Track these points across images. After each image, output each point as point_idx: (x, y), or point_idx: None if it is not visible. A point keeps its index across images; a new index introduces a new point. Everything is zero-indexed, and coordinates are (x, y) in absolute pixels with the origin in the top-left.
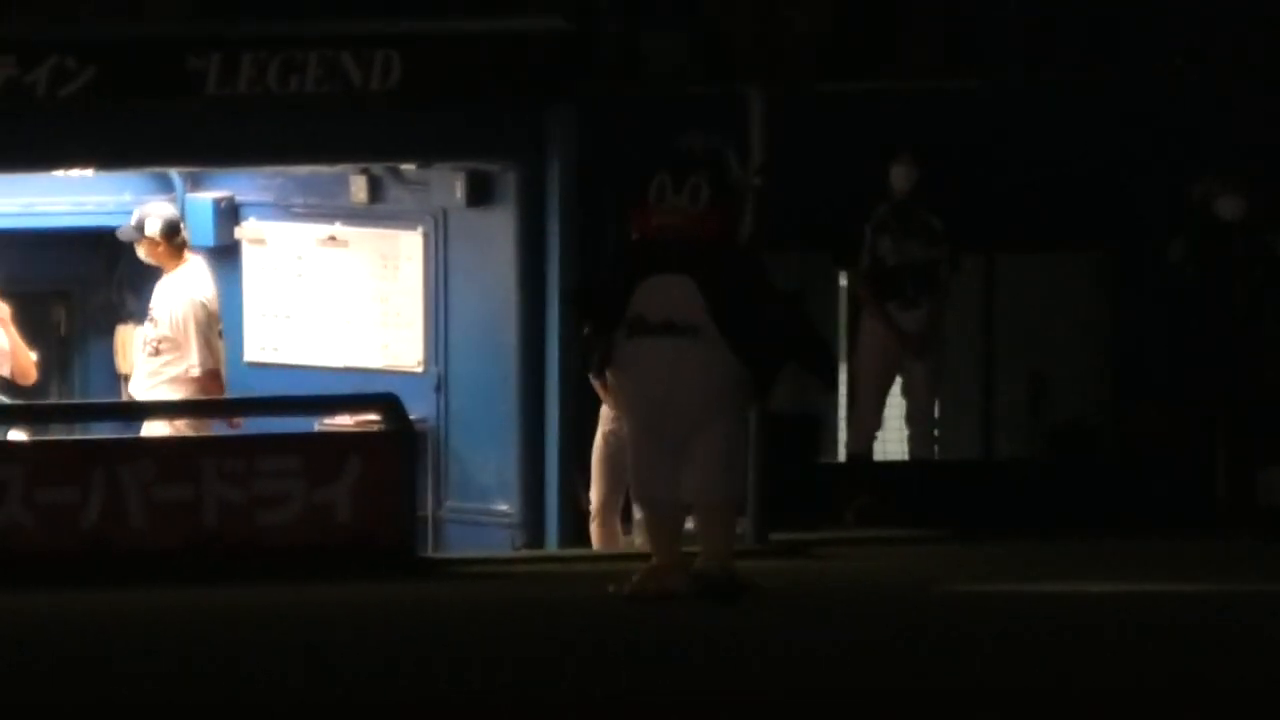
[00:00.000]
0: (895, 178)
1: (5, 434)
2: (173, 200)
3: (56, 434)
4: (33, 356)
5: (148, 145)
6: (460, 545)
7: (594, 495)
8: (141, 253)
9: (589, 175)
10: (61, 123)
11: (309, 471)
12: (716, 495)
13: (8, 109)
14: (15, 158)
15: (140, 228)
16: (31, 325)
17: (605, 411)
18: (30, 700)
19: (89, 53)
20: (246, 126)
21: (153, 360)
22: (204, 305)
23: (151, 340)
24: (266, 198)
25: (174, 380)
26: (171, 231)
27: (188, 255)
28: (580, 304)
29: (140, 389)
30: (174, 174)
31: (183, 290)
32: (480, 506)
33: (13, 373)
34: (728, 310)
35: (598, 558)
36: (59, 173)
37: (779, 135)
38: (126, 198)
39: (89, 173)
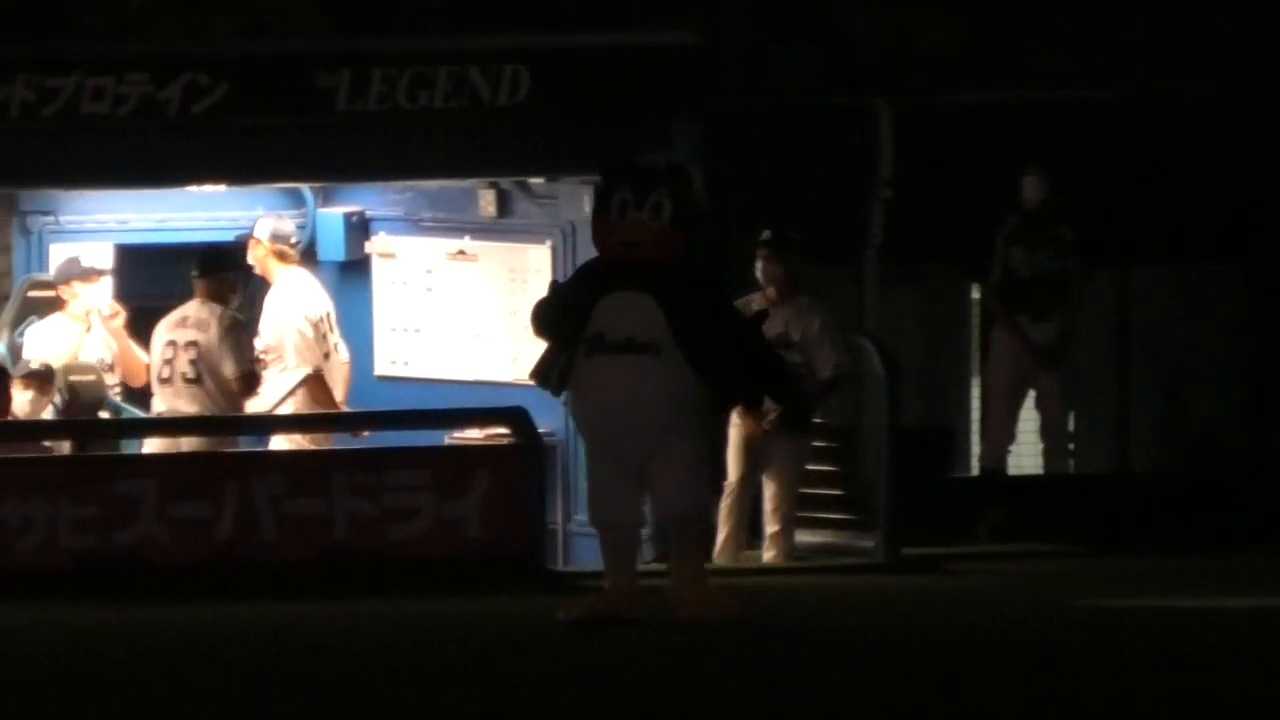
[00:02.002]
0: (1026, 189)
1: (139, 447)
2: (303, 215)
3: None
4: (144, 359)
5: (279, 161)
6: (589, 559)
7: (730, 474)
8: (250, 258)
9: (716, 187)
10: (194, 139)
11: (438, 485)
12: (681, 510)
13: (142, 126)
14: (149, 174)
15: (250, 230)
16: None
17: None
18: (162, 712)
19: (221, 70)
20: (376, 142)
21: (265, 374)
22: (302, 312)
23: (259, 354)
24: (396, 212)
25: (283, 391)
26: (277, 238)
27: (294, 267)
28: (539, 320)
29: (258, 403)
30: (305, 189)
31: (282, 300)
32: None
33: (123, 375)
34: (689, 329)
35: (728, 571)
36: (192, 188)
37: (908, 147)
38: (258, 213)
39: (221, 188)
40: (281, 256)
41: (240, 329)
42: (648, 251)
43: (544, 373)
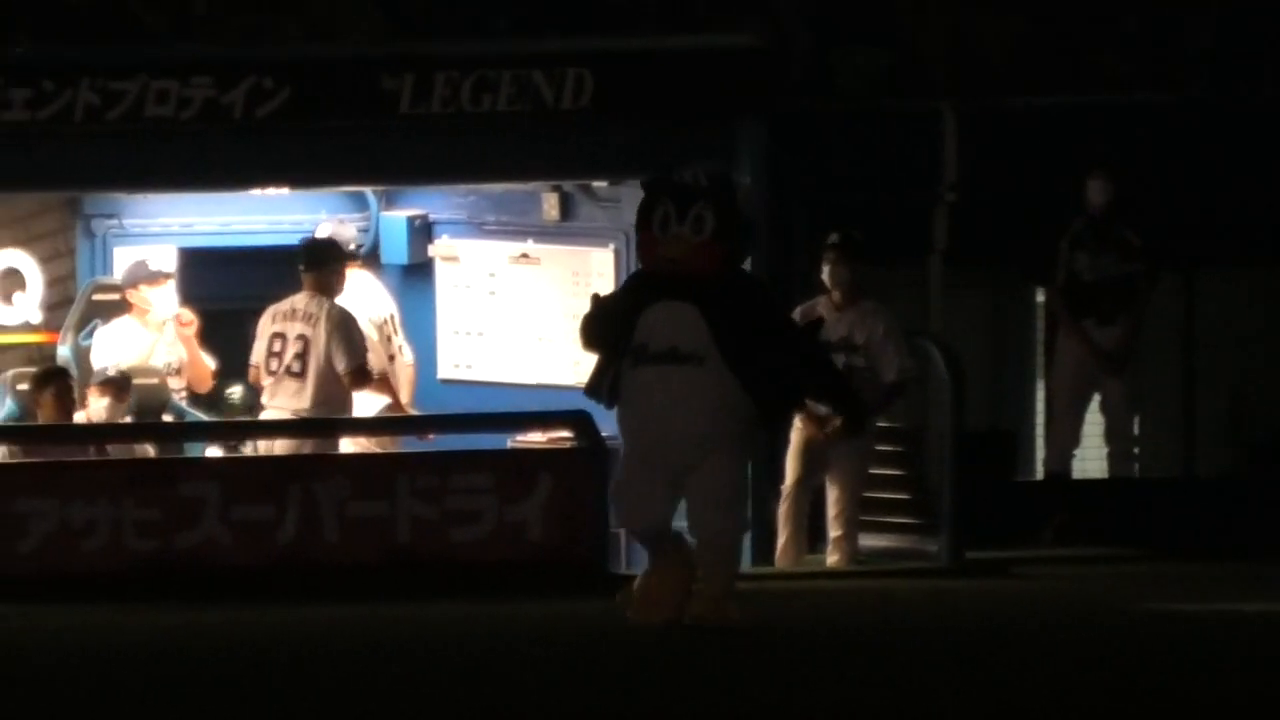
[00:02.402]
0: (1091, 192)
1: (203, 450)
2: (366, 218)
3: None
4: (210, 365)
5: (342, 164)
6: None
7: (787, 477)
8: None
9: (780, 190)
10: (258, 142)
11: (501, 488)
12: (718, 525)
13: (206, 129)
14: (213, 177)
15: (313, 234)
16: (227, 342)
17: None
18: (225, 716)
19: (285, 73)
20: (440, 145)
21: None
22: (365, 315)
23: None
24: (459, 215)
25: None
26: (348, 242)
27: (356, 270)
28: (586, 334)
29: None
30: (368, 192)
31: (347, 303)
32: (675, 526)
33: (190, 380)
34: (733, 338)
35: (789, 575)
36: (255, 192)
37: (973, 150)
38: (321, 216)
39: (285, 192)
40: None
41: (350, 322)
42: (691, 265)
43: (595, 386)
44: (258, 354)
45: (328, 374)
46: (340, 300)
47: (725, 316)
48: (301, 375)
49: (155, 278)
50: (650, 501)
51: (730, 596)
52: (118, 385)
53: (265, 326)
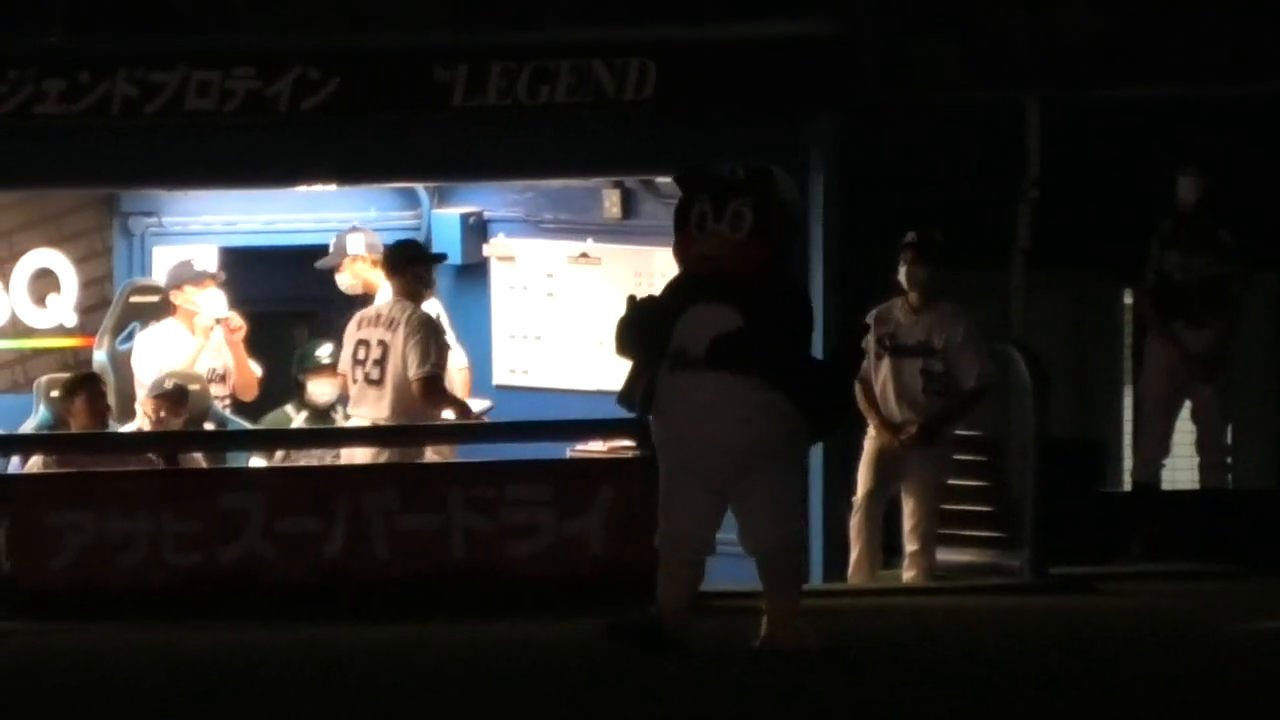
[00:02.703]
0: (1182, 189)
1: (246, 460)
2: (418, 216)
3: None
4: (257, 372)
5: (392, 159)
6: (718, 579)
7: (859, 488)
8: (345, 279)
9: (853, 187)
10: (304, 136)
11: (560, 500)
12: (776, 542)
13: (249, 122)
14: (256, 173)
15: (342, 249)
16: (272, 346)
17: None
18: None
19: (332, 64)
20: (495, 139)
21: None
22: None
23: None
24: (516, 213)
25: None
26: (373, 249)
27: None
28: (621, 339)
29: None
30: (420, 189)
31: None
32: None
33: (235, 387)
34: (772, 344)
35: (862, 592)
36: (301, 188)
37: (1057, 144)
38: (371, 214)
39: (332, 188)
40: (377, 263)
41: (431, 329)
42: (728, 265)
43: (628, 394)
44: (343, 361)
45: (406, 382)
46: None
47: (765, 320)
48: (380, 383)
49: (201, 278)
50: (696, 518)
51: (801, 615)
52: (174, 399)
53: (351, 333)
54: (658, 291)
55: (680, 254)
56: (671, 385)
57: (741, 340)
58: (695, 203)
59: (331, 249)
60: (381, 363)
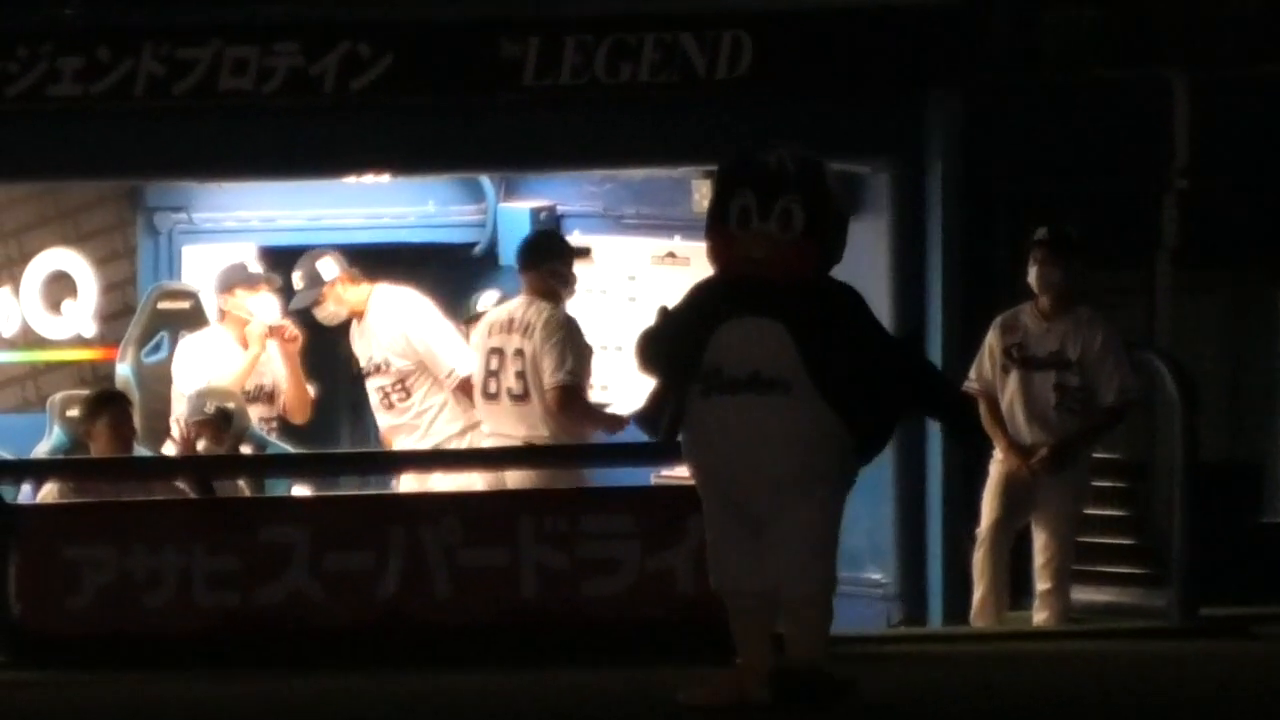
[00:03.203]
0: None
1: (289, 489)
2: (482, 210)
3: (348, 489)
4: (310, 392)
5: (453, 146)
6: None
7: (984, 518)
8: (329, 310)
9: (977, 176)
10: (353, 121)
11: (643, 532)
12: (806, 586)
13: (291, 105)
14: (300, 162)
15: (317, 278)
16: (319, 359)
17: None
18: None
19: (385, 38)
20: (570, 123)
21: (408, 404)
22: (430, 311)
23: (395, 386)
24: (593, 207)
25: (444, 409)
26: (345, 265)
27: (369, 286)
28: (646, 354)
29: (410, 444)
30: (485, 180)
31: (392, 313)
32: (849, 575)
33: (286, 407)
34: (828, 361)
35: (988, 636)
36: (350, 180)
37: (1209, 128)
38: (429, 209)
39: (384, 179)
40: (356, 280)
41: (570, 331)
42: (775, 269)
43: (650, 416)
44: (476, 372)
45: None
46: (379, 314)
47: (817, 334)
48: (525, 397)
49: (255, 282)
50: (748, 561)
51: (825, 654)
52: (216, 425)
53: (481, 339)
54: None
55: (718, 255)
56: (707, 410)
57: (785, 360)
58: (736, 195)
59: (302, 283)
60: (524, 374)
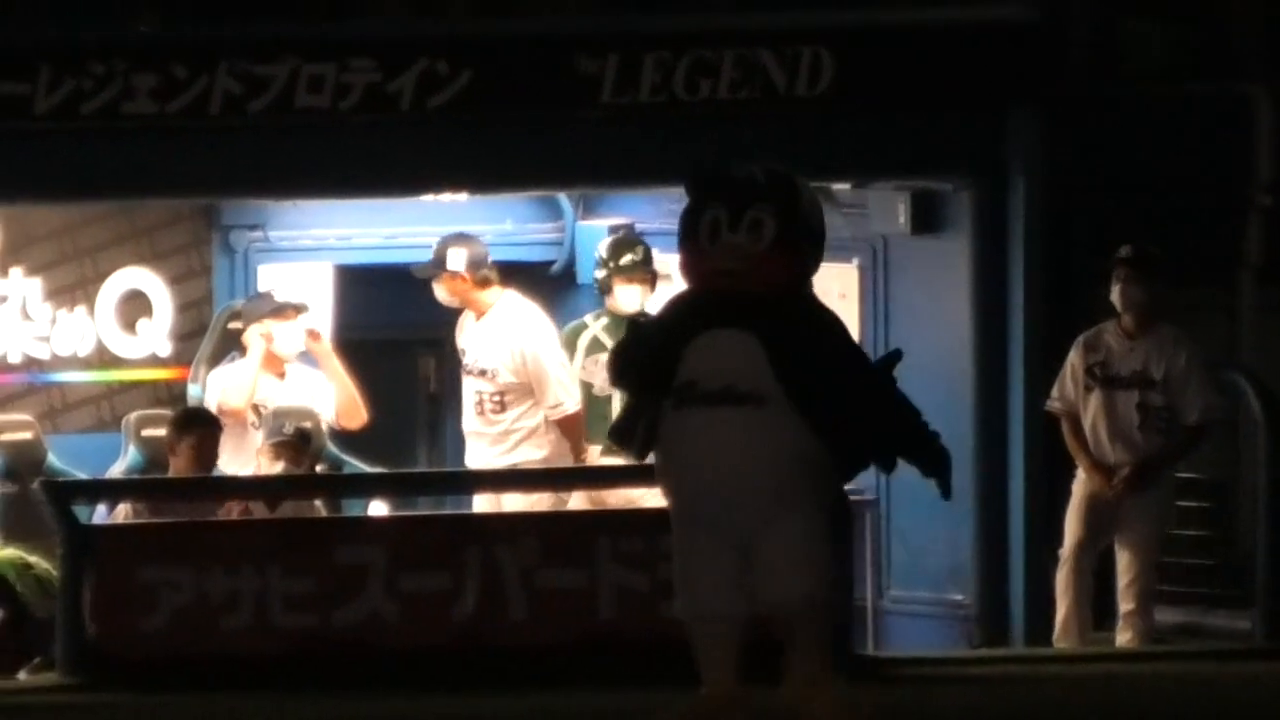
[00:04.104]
0: None
1: (365, 508)
2: (560, 228)
3: (425, 508)
4: (356, 392)
5: (531, 163)
6: (906, 642)
7: (1066, 538)
8: (442, 294)
9: (1058, 193)
10: (430, 138)
11: None
12: (793, 597)
13: (367, 122)
14: (376, 180)
15: (441, 262)
16: (396, 379)
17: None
18: None
19: (463, 55)
20: (649, 140)
21: (501, 418)
22: (554, 337)
23: (493, 395)
24: (672, 225)
25: (534, 434)
26: (477, 264)
27: (499, 290)
28: (618, 368)
29: (492, 457)
30: (562, 198)
31: (517, 326)
32: (930, 595)
33: (339, 413)
34: (800, 374)
35: (1070, 658)
36: (427, 198)
37: None
38: (507, 226)
39: (462, 197)
40: (485, 282)
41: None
42: (747, 281)
43: (623, 431)
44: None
45: None
46: (502, 321)
47: (790, 346)
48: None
49: (283, 310)
50: (716, 583)
51: (830, 679)
52: (295, 447)
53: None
54: (847, 311)
55: (688, 270)
56: (681, 423)
57: (757, 370)
58: (706, 209)
59: (431, 256)
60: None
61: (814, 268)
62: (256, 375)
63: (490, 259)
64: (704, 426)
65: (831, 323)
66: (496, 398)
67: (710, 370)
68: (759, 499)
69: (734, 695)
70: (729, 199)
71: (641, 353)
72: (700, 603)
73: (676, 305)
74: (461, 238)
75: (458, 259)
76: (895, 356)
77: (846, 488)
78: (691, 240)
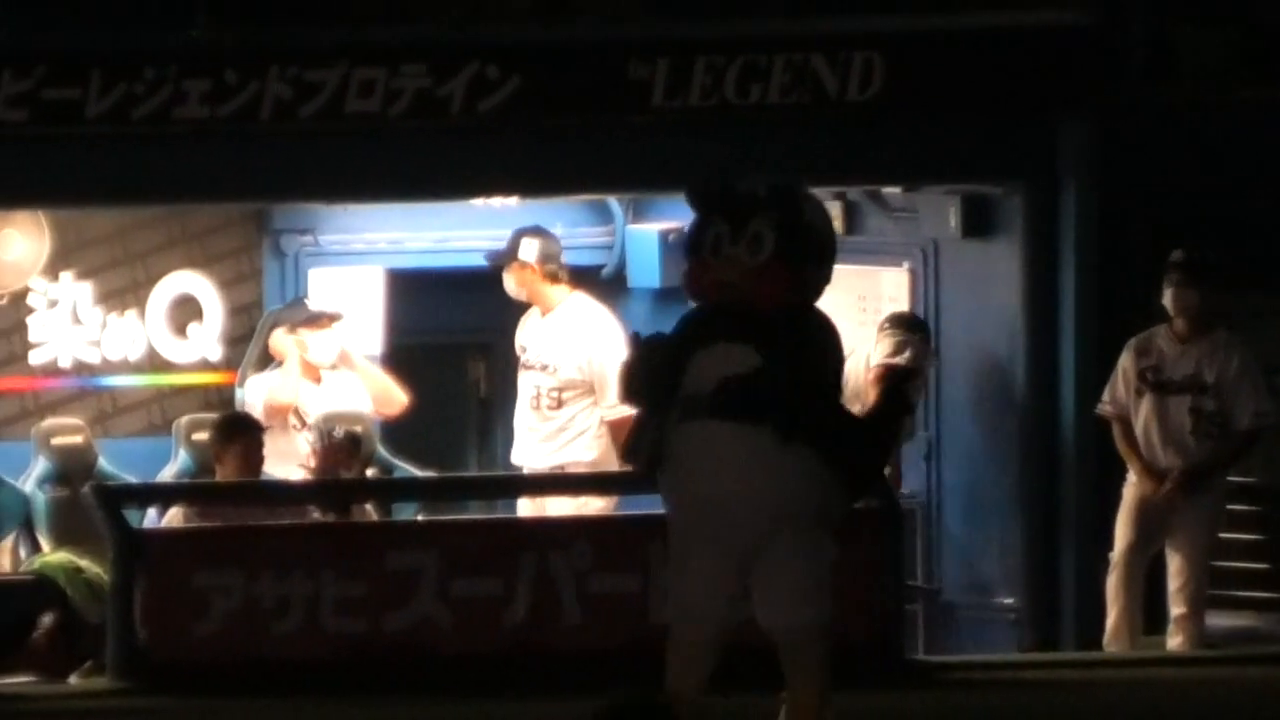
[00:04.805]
0: None
1: (416, 513)
2: (610, 233)
3: (477, 513)
4: (391, 385)
5: (581, 168)
6: (957, 646)
7: (1117, 542)
8: (511, 284)
9: (1111, 197)
10: (480, 142)
11: None
12: (798, 624)
13: (418, 126)
14: (427, 184)
15: (513, 251)
16: (447, 382)
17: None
18: None
19: (513, 59)
20: (699, 144)
21: (556, 414)
22: (621, 340)
23: (551, 391)
24: None
25: (585, 434)
26: (547, 258)
27: (568, 290)
28: (627, 383)
29: (542, 454)
30: (613, 202)
31: (582, 324)
32: (980, 599)
33: (374, 402)
34: (795, 387)
35: (1122, 662)
36: (477, 202)
37: None
38: (557, 231)
39: (512, 202)
40: (554, 278)
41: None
42: (748, 293)
43: (634, 446)
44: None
45: None
46: (568, 318)
47: (788, 359)
48: None
49: (318, 319)
50: (710, 591)
51: (829, 706)
52: (346, 449)
53: None
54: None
55: (692, 284)
56: (683, 436)
57: (755, 384)
58: (710, 225)
59: (504, 245)
60: None
61: (819, 280)
62: (298, 377)
63: (562, 256)
64: (704, 440)
65: (827, 339)
66: (555, 393)
67: (709, 383)
68: (758, 516)
69: (695, 702)
70: (732, 214)
71: (650, 368)
72: (686, 603)
73: (685, 320)
74: (537, 230)
75: (529, 250)
76: (907, 374)
77: (903, 492)
78: (697, 254)
